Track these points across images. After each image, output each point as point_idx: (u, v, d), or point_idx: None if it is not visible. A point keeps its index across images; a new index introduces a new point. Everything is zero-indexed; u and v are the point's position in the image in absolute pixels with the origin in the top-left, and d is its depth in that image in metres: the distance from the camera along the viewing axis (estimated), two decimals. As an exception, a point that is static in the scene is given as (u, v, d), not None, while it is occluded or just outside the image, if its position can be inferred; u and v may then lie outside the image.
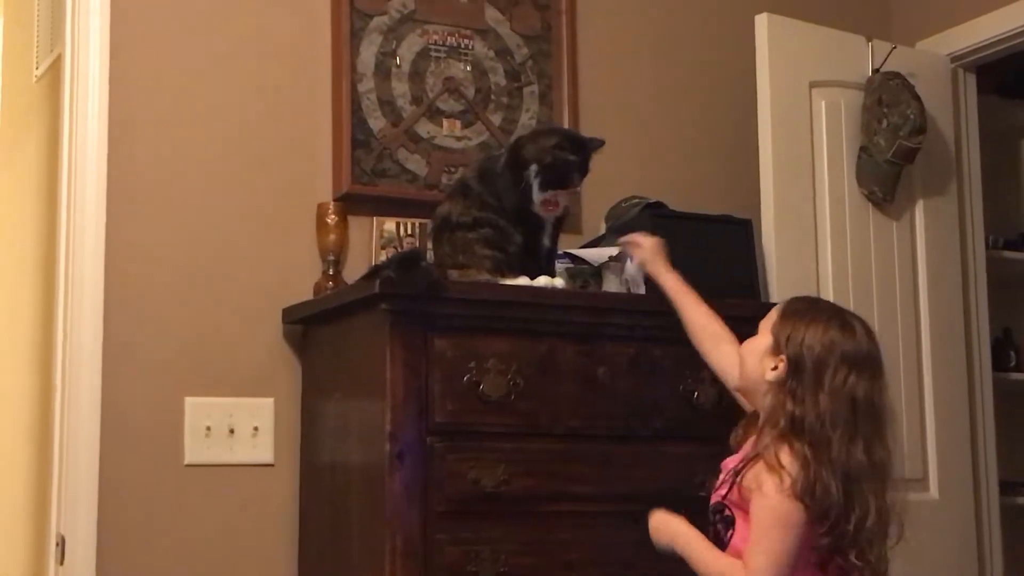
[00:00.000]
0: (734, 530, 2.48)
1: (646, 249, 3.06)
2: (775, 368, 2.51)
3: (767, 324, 2.58)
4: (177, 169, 3.24)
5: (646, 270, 3.06)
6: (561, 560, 2.88)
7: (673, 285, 2.98)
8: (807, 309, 2.57)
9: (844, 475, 2.40)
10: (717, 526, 2.52)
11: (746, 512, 2.45)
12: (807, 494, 2.37)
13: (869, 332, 2.56)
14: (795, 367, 2.48)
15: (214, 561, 3.16)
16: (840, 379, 2.45)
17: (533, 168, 2.94)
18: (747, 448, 2.53)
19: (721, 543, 2.49)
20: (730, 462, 2.57)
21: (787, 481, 2.37)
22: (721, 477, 2.56)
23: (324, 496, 3.10)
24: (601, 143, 3.05)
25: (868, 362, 2.50)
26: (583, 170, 3.01)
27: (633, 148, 3.73)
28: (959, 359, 3.95)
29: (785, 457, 2.40)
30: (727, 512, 2.50)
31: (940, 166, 3.97)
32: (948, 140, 4.01)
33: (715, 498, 2.54)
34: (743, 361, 2.62)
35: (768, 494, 2.39)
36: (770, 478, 2.39)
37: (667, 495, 2.67)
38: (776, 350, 2.52)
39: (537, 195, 2.95)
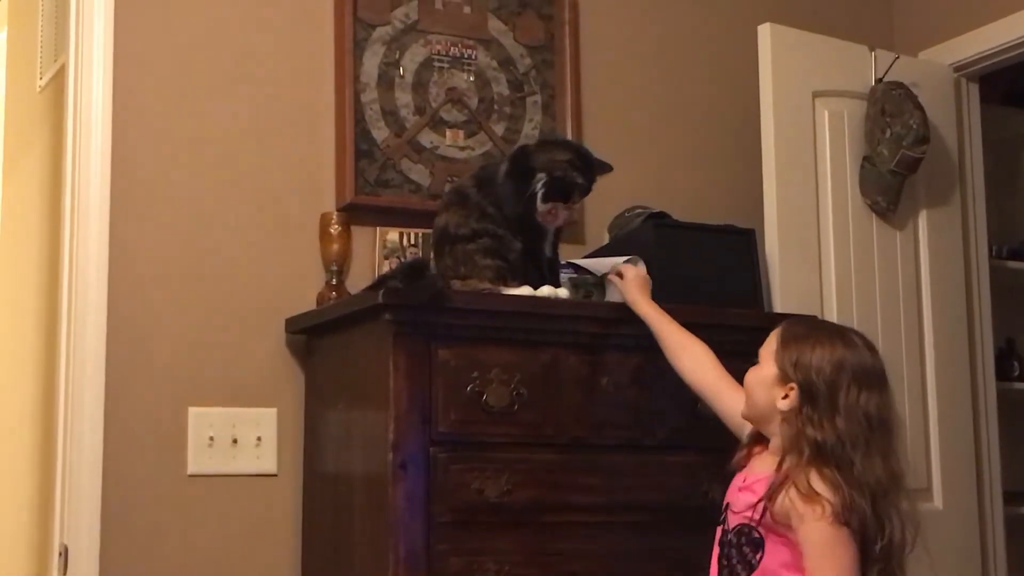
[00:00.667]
0: (764, 552, 2.47)
1: (628, 282, 3.03)
2: (786, 397, 2.49)
3: (768, 352, 2.57)
4: (180, 179, 3.24)
5: (629, 304, 2.99)
6: (564, 571, 2.87)
7: (656, 322, 2.94)
8: (808, 332, 2.56)
9: (871, 492, 2.40)
10: (743, 548, 2.50)
11: (779, 535, 2.45)
12: (848, 516, 2.37)
13: (871, 346, 2.56)
14: (807, 393, 2.47)
15: (217, 571, 3.16)
16: (853, 398, 2.45)
17: (540, 177, 2.94)
18: (768, 474, 2.50)
19: (748, 564, 2.48)
20: (748, 484, 2.55)
21: (827, 508, 2.37)
22: (737, 497, 2.55)
23: (327, 506, 3.10)
24: (609, 168, 3.07)
25: (876, 377, 2.50)
26: (587, 190, 3.02)
27: (636, 158, 3.73)
28: (963, 369, 3.94)
29: (818, 484, 2.40)
30: (755, 534, 2.49)
31: (943, 176, 3.97)
32: (951, 150, 4.02)
33: (739, 520, 2.52)
34: (750, 393, 2.59)
35: (813, 526, 2.38)
36: (809, 508, 2.38)
37: (671, 505, 2.66)
38: (784, 378, 2.51)
39: (540, 204, 2.95)
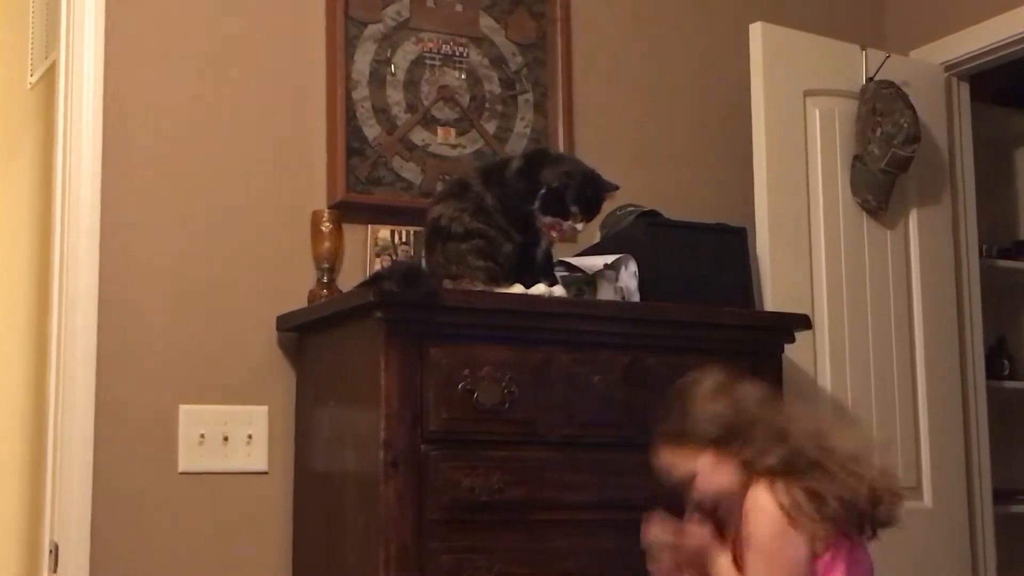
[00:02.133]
0: None
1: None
2: (731, 459, 2.56)
3: (682, 463, 2.61)
4: (172, 176, 3.24)
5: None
6: (555, 569, 2.88)
7: None
8: (674, 419, 2.62)
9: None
10: None
11: None
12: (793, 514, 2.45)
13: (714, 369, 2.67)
14: (736, 435, 2.55)
15: (208, 569, 3.15)
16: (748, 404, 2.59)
17: (542, 188, 2.95)
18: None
19: None
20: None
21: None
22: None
23: (318, 504, 3.10)
24: (615, 188, 3.07)
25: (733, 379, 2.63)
26: (588, 210, 3.00)
27: (628, 157, 3.73)
28: (953, 367, 3.95)
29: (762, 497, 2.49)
30: None
31: (934, 175, 3.98)
32: (942, 149, 4.02)
33: None
34: (721, 495, 2.60)
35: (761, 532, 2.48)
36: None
37: (662, 503, 2.66)
38: (711, 454, 2.57)
39: (538, 216, 2.96)
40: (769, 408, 2.60)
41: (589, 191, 2.98)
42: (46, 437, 3.18)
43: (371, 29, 3.48)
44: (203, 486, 3.17)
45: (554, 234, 2.99)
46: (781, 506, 2.45)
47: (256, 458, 3.23)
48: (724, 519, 2.61)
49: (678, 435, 2.60)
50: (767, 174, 3.61)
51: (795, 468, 2.49)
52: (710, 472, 2.58)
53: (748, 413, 2.57)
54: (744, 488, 2.52)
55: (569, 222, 2.97)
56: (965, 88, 4.22)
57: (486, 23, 3.63)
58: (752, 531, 2.50)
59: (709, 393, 2.59)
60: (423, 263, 3.04)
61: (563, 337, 2.95)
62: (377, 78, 3.46)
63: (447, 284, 2.92)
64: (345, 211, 3.34)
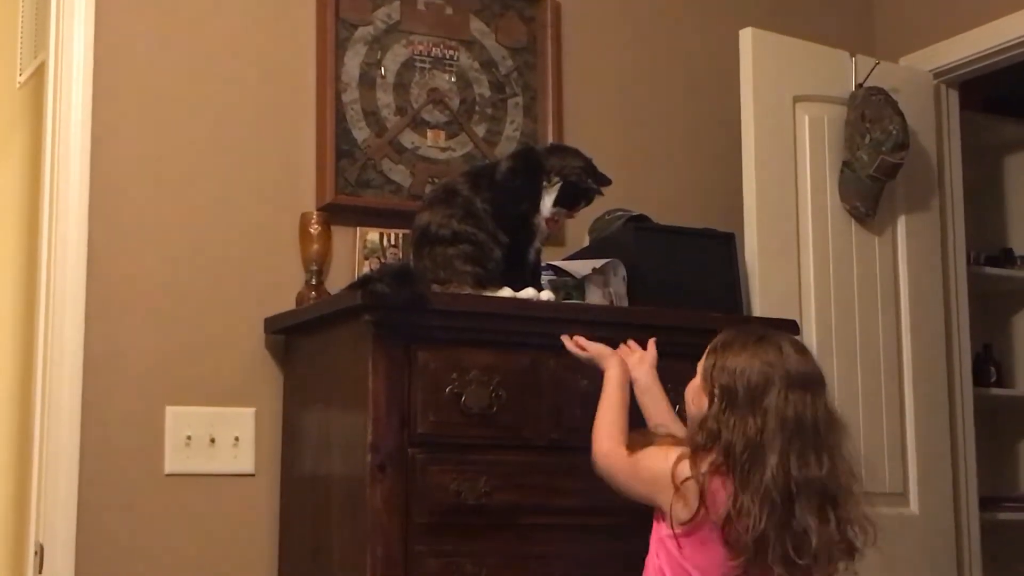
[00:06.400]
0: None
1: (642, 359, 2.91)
2: (709, 401, 2.53)
3: (703, 359, 2.61)
4: (160, 177, 3.23)
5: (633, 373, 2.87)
6: (542, 573, 2.87)
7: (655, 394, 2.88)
8: (733, 339, 2.58)
9: (782, 497, 2.41)
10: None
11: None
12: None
13: (802, 350, 2.59)
14: (726, 396, 2.50)
15: (193, 571, 3.15)
16: (777, 400, 2.47)
17: (555, 180, 2.97)
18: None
19: None
20: None
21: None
22: None
23: (305, 507, 3.09)
24: (609, 182, 3.09)
25: (805, 379, 2.52)
26: (590, 201, 3.08)
27: (617, 161, 3.70)
28: (940, 374, 3.96)
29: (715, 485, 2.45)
30: None
31: (922, 182, 3.99)
32: (930, 156, 4.03)
33: None
34: (687, 404, 2.63)
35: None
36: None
37: (650, 508, 2.66)
38: (706, 384, 2.56)
39: (546, 208, 2.97)
40: (778, 422, 2.48)
41: (596, 180, 3.06)
42: (32, 437, 3.17)
43: (361, 31, 3.47)
44: (189, 488, 3.17)
45: (554, 225, 3.03)
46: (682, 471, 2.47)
47: (243, 460, 3.22)
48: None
49: (720, 345, 2.58)
50: (756, 179, 3.61)
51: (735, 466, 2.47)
52: (694, 385, 2.61)
53: (751, 401, 2.48)
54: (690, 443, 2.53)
55: (565, 210, 3.02)
56: (954, 95, 4.23)
57: (476, 26, 3.63)
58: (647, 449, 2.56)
59: (763, 358, 2.52)
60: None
61: (551, 341, 2.95)
62: (367, 80, 3.46)
63: (435, 289, 2.91)
64: (334, 213, 3.34)
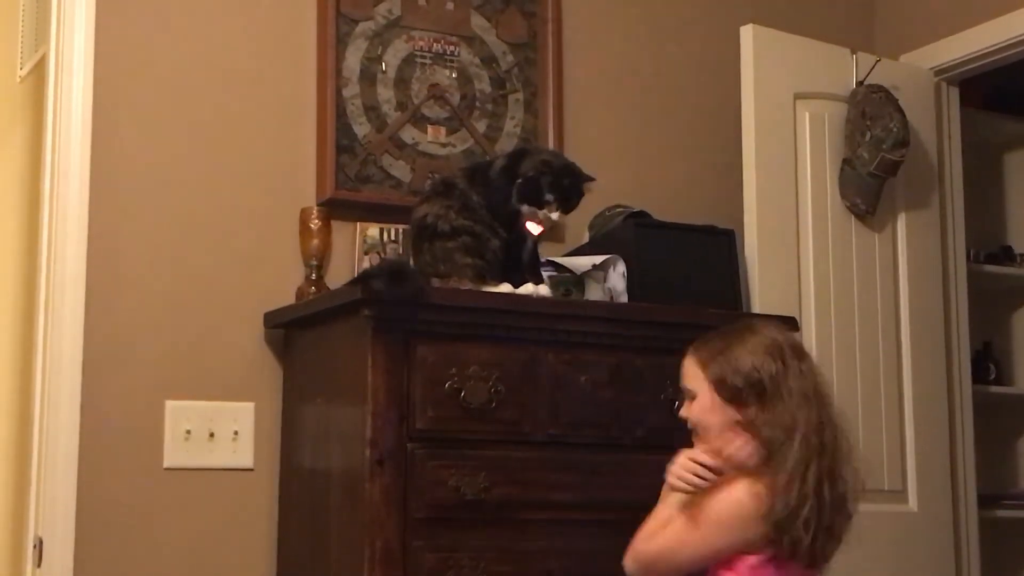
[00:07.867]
0: None
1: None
2: (742, 407, 2.50)
3: (696, 381, 2.56)
4: (161, 171, 3.23)
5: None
6: (540, 568, 2.88)
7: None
8: (720, 340, 2.57)
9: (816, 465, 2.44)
10: None
11: None
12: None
13: (778, 326, 2.63)
14: (757, 393, 2.48)
15: (192, 565, 3.15)
16: (797, 374, 2.49)
17: (518, 179, 2.95)
18: None
19: None
20: None
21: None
22: None
23: (304, 501, 3.10)
24: (591, 179, 3.04)
25: (798, 347, 2.57)
26: (564, 199, 2.97)
27: (617, 157, 3.74)
28: (939, 371, 3.96)
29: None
30: None
31: (923, 179, 3.98)
32: (931, 153, 4.03)
33: None
34: (702, 426, 2.56)
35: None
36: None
37: (648, 504, 2.66)
38: (729, 393, 2.51)
39: (516, 206, 2.95)
40: (801, 398, 2.48)
41: (566, 181, 2.97)
42: (32, 431, 3.17)
43: (362, 27, 3.47)
44: (188, 482, 3.17)
45: (531, 226, 2.97)
46: (746, 502, 2.44)
47: (242, 454, 3.22)
48: (694, 435, 2.60)
49: (708, 356, 2.55)
50: (756, 176, 3.62)
51: (777, 461, 2.46)
52: (708, 406, 2.54)
53: (778, 388, 2.48)
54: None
55: (544, 211, 2.96)
56: (955, 93, 4.23)
57: (477, 22, 3.63)
58: (709, 502, 2.48)
59: (762, 345, 2.52)
60: (411, 262, 3.04)
61: (550, 337, 2.95)
62: (368, 76, 3.46)
63: (435, 283, 2.92)
64: (334, 208, 3.34)
